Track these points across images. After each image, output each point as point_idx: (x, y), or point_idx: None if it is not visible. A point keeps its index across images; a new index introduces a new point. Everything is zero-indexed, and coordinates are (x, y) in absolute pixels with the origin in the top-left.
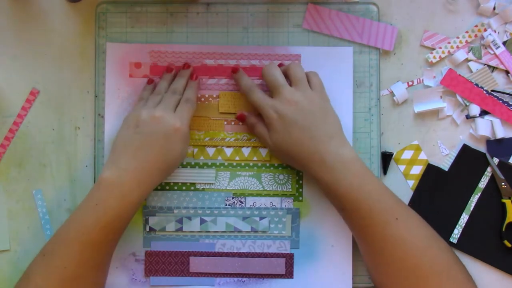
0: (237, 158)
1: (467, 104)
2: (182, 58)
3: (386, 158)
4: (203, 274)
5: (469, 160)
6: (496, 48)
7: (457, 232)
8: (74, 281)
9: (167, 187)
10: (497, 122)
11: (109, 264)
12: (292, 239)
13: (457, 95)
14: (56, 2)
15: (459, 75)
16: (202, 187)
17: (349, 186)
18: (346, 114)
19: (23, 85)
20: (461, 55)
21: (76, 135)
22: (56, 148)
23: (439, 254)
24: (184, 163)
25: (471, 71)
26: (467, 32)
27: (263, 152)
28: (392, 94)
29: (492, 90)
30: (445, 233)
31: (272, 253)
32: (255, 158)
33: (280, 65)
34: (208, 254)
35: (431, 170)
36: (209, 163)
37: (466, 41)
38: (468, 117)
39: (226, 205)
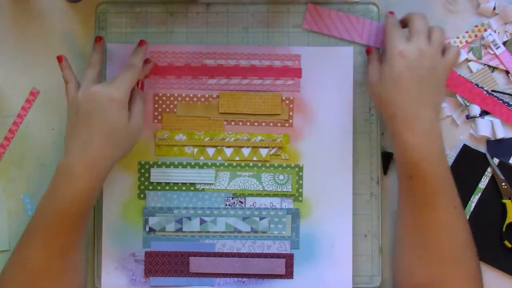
0: (237, 158)
1: (467, 104)
2: (182, 58)
3: (386, 158)
4: (203, 275)
5: (469, 160)
6: (496, 48)
7: None
8: (39, 272)
9: (167, 187)
10: (497, 122)
11: (78, 256)
12: (292, 239)
13: (457, 95)
14: (56, 2)
15: (459, 75)
16: (202, 187)
17: (427, 157)
18: (346, 114)
19: (23, 85)
20: (461, 55)
21: None
22: (56, 148)
23: (473, 255)
24: (184, 163)
25: (471, 71)
26: (467, 32)
27: (263, 152)
28: None
29: (492, 90)
30: None
31: (272, 253)
32: (255, 158)
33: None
34: (208, 255)
35: None
36: (209, 163)
37: (466, 41)
38: (468, 117)
39: (226, 205)
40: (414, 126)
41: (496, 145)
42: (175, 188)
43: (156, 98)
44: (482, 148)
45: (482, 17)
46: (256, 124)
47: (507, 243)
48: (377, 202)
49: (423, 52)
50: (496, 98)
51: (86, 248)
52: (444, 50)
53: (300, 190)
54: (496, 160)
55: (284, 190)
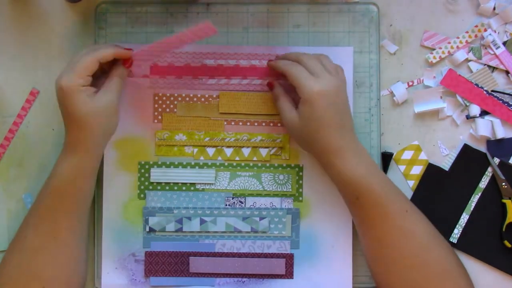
0: (237, 158)
1: (467, 104)
2: (182, 58)
3: (386, 158)
4: (203, 275)
5: (469, 160)
6: (496, 48)
7: (457, 232)
8: (34, 252)
9: (167, 187)
10: (497, 122)
11: (72, 241)
12: (292, 239)
13: (457, 95)
14: (56, 2)
15: (459, 75)
16: (202, 187)
17: (366, 174)
18: None
19: (23, 85)
20: (461, 55)
21: None
22: (56, 148)
23: (443, 253)
24: (184, 163)
25: (471, 71)
26: (467, 32)
27: (263, 152)
28: (392, 94)
29: (492, 90)
30: (445, 233)
31: (272, 253)
32: (255, 158)
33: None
34: (208, 255)
35: (431, 170)
36: (209, 163)
37: (466, 41)
38: (468, 117)
39: (226, 205)
40: (344, 153)
41: (496, 145)
42: (175, 188)
43: (156, 98)
44: (482, 148)
45: (482, 17)
46: (256, 124)
47: (507, 243)
48: None
49: (334, 84)
50: (496, 98)
51: (85, 239)
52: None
53: (300, 190)
54: (496, 160)
55: (284, 190)
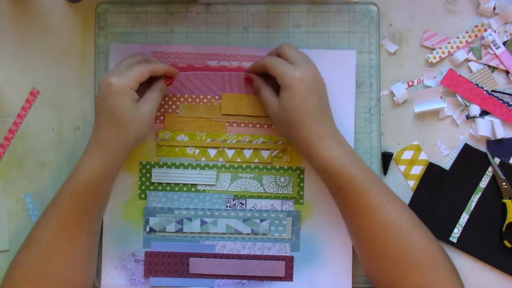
0: (238, 160)
1: (467, 104)
2: (184, 59)
3: (386, 159)
4: (203, 276)
5: (470, 159)
6: (496, 48)
7: (457, 232)
8: (53, 253)
9: (168, 188)
10: (497, 122)
11: (90, 243)
12: (292, 241)
13: (457, 95)
14: (56, 2)
15: (459, 75)
16: (203, 189)
17: (348, 164)
18: (348, 115)
19: (23, 85)
20: (461, 55)
21: (76, 135)
22: (56, 148)
23: (424, 243)
24: (186, 164)
25: (471, 71)
26: (467, 32)
27: (265, 154)
28: (392, 94)
29: (492, 90)
30: (445, 233)
31: (272, 255)
32: (256, 160)
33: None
34: (208, 256)
35: (432, 169)
36: (210, 165)
37: (466, 41)
38: (468, 117)
39: (226, 206)
40: (325, 141)
41: (496, 145)
42: (176, 188)
43: None
44: (482, 148)
45: (482, 17)
46: (258, 126)
47: (506, 243)
48: None
49: (312, 71)
50: (496, 98)
51: (98, 238)
52: None
53: (301, 192)
54: (497, 160)
55: (285, 192)
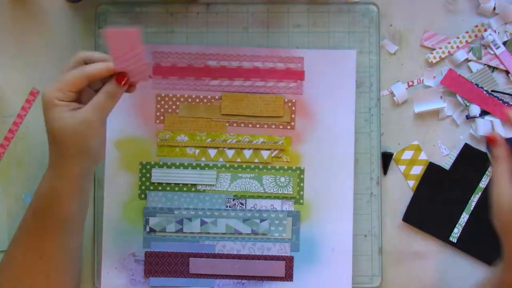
0: (238, 160)
1: (467, 104)
2: (185, 59)
3: (386, 158)
4: (203, 276)
5: (470, 159)
6: (496, 48)
7: (457, 232)
8: (23, 270)
9: (168, 188)
10: (497, 122)
11: (63, 258)
12: (292, 241)
13: (457, 95)
14: (56, 2)
15: (459, 75)
16: (203, 189)
17: None
18: (348, 115)
19: (23, 85)
20: (461, 55)
21: None
22: None
23: None
24: (186, 164)
25: (471, 71)
26: (467, 32)
27: (265, 154)
28: (392, 94)
29: (492, 90)
30: (445, 233)
31: (272, 255)
32: (256, 160)
33: None
34: (208, 256)
35: (432, 169)
36: (210, 165)
37: (466, 41)
38: (468, 117)
39: (226, 206)
40: None
41: None
42: (176, 188)
43: (159, 98)
44: (482, 148)
45: (482, 17)
46: (258, 126)
47: None
48: (377, 202)
49: None
50: (496, 98)
51: (77, 255)
52: None
53: (301, 192)
54: None
55: (285, 192)
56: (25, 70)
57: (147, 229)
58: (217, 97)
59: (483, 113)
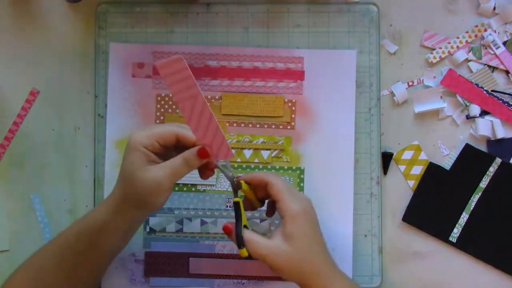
0: (238, 160)
1: (467, 104)
2: (185, 59)
3: (386, 158)
4: (203, 276)
5: (470, 159)
6: (496, 48)
7: (457, 232)
8: (49, 284)
9: None
10: (497, 122)
11: (87, 280)
12: None
13: (457, 95)
14: (56, 2)
15: (459, 75)
16: (203, 189)
17: None
18: (348, 115)
19: (23, 85)
20: (461, 55)
21: (76, 135)
22: (56, 148)
23: None
24: None
25: (471, 71)
26: (467, 32)
27: (265, 154)
28: (392, 94)
29: (492, 90)
30: (445, 232)
31: None
32: (256, 160)
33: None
34: (208, 256)
35: (432, 169)
36: None
37: (466, 41)
38: (468, 117)
39: (226, 206)
40: (335, 279)
41: (496, 145)
42: (176, 188)
43: (159, 98)
44: (483, 148)
45: (482, 17)
46: (258, 126)
47: None
48: (377, 202)
49: (309, 201)
50: (496, 98)
51: (103, 275)
52: None
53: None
54: (498, 160)
55: None
56: (25, 70)
57: (147, 229)
58: (217, 97)
59: (483, 113)
